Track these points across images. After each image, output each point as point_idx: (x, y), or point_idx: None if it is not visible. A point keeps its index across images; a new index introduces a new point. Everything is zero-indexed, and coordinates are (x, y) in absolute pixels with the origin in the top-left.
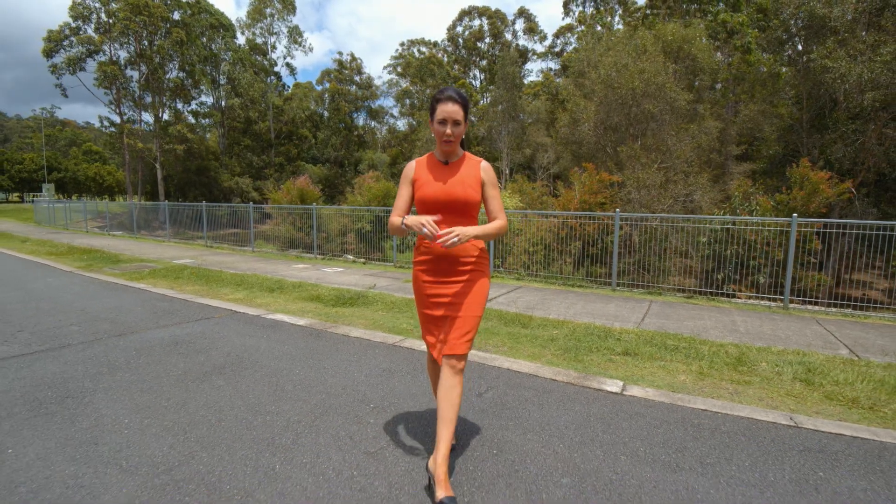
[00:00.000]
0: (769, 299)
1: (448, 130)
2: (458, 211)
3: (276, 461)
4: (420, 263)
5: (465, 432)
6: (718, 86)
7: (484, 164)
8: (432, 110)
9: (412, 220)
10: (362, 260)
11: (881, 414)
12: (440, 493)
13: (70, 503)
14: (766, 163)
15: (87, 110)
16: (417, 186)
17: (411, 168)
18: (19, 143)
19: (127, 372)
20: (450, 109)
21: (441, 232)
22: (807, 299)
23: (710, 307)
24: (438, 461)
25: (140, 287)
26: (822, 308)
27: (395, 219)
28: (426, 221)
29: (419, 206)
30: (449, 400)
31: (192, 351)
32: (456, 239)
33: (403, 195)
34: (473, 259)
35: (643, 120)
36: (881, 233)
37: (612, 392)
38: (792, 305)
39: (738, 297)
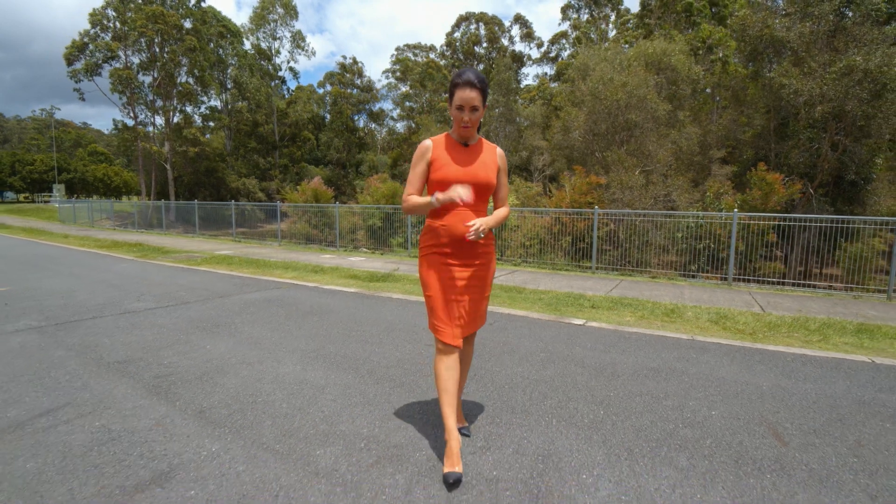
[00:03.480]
0: (718, 278)
1: (466, 117)
2: (478, 193)
3: (374, 347)
4: (439, 247)
5: (481, 339)
6: (708, 90)
7: (499, 150)
8: (451, 94)
9: (443, 195)
10: (380, 251)
11: (755, 337)
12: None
13: (265, 363)
14: (741, 166)
15: (86, 111)
16: (436, 167)
17: (428, 147)
18: (28, 143)
19: (246, 315)
20: (467, 96)
21: (469, 223)
22: (756, 278)
23: (668, 283)
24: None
25: (205, 269)
26: (758, 285)
27: (416, 197)
28: (461, 189)
29: (438, 186)
30: (466, 367)
31: (283, 304)
32: (481, 235)
33: (419, 173)
34: (488, 244)
35: (627, 128)
36: (829, 225)
37: (576, 324)
38: (738, 284)
39: (695, 278)
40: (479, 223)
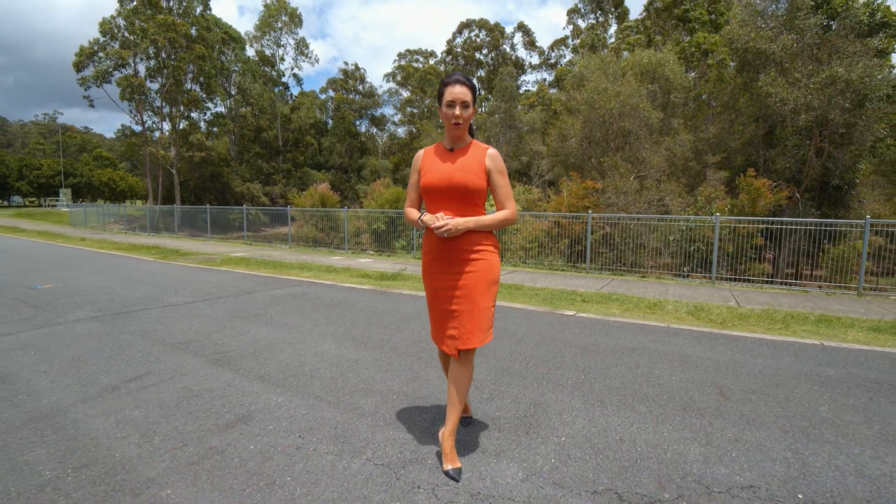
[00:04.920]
0: (697, 275)
1: (457, 111)
2: (459, 198)
3: (393, 332)
4: (427, 254)
5: None
6: (703, 97)
7: (491, 151)
8: (440, 95)
9: (427, 217)
10: (386, 254)
11: (724, 325)
12: (447, 465)
13: (305, 343)
14: (733, 172)
15: (87, 115)
16: (422, 174)
17: (419, 157)
18: (32, 148)
19: (277, 307)
20: (458, 91)
21: (437, 224)
22: (744, 278)
23: (655, 282)
24: (446, 435)
25: (225, 270)
26: (740, 283)
27: (411, 212)
28: (438, 216)
29: (422, 193)
30: (457, 387)
31: (307, 299)
32: (444, 231)
33: (413, 184)
34: (479, 249)
35: (622, 135)
36: (813, 228)
37: (568, 315)
38: (721, 282)
39: (687, 277)
40: (446, 220)
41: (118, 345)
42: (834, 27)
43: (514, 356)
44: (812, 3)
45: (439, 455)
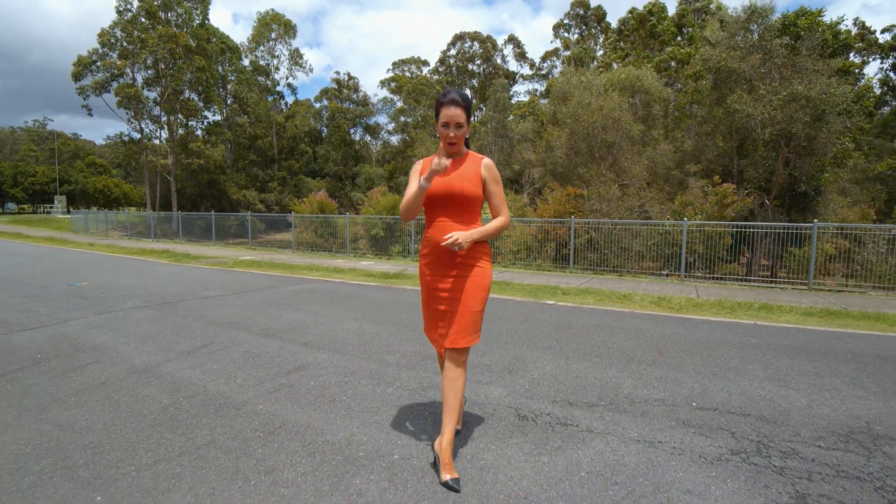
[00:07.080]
0: (674, 276)
1: (451, 133)
2: (458, 205)
3: (403, 316)
4: (424, 257)
5: None
6: (686, 107)
7: (486, 161)
8: (437, 113)
9: (428, 170)
10: (386, 257)
11: (679, 311)
12: (445, 476)
13: (331, 323)
14: (711, 181)
15: (77, 122)
16: None
17: (418, 166)
18: (24, 154)
19: (299, 298)
20: (452, 113)
21: (445, 236)
22: (718, 276)
23: (630, 279)
24: (444, 446)
25: (240, 271)
26: (707, 280)
27: (406, 194)
28: (443, 159)
29: (424, 201)
30: (453, 390)
31: (323, 293)
32: (455, 245)
33: (412, 189)
34: (477, 257)
35: (605, 146)
36: (772, 231)
37: (548, 304)
38: (690, 279)
39: (668, 277)
40: (455, 235)
41: (177, 325)
42: (798, 47)
43: (502, 330)
44: (779, 26)
45: (434, 465)
